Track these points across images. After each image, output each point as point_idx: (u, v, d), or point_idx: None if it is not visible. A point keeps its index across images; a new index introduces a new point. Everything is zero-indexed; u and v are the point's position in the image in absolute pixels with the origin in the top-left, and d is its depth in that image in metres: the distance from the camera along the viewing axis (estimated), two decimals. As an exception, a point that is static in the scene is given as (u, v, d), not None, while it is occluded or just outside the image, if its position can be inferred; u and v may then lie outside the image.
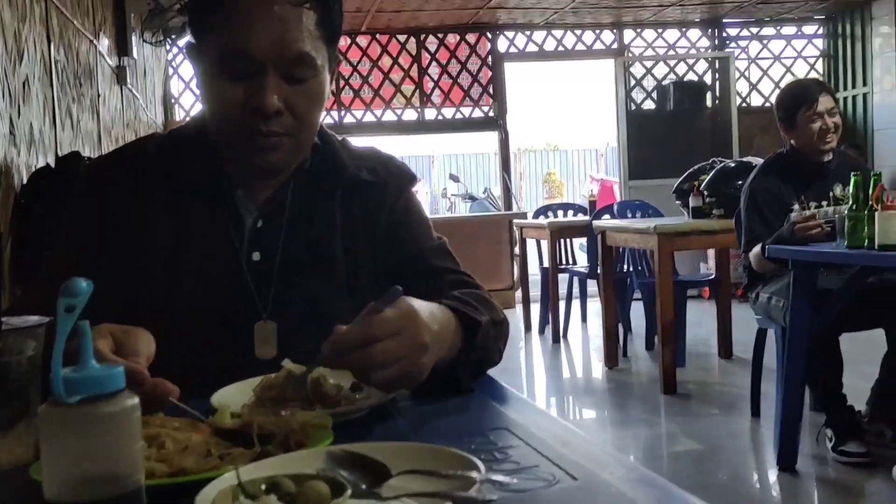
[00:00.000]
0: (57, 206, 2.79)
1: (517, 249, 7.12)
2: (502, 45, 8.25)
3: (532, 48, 8.33)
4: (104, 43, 4.63)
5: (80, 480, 0.61)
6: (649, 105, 8.24)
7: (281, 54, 1.20)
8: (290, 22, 1.20)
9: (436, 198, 14.01)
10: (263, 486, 0.71)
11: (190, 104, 7.61)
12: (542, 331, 6.44)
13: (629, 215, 5.83)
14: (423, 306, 1.04)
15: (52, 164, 3.09)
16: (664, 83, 8.20)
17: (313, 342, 1.28)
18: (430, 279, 1.33)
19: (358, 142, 1.47)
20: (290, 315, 1.30)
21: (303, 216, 1.34)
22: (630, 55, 8.40)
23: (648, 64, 8.30)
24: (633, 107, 8.17)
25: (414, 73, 8.09)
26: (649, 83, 8.24)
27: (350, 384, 1.08)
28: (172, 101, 7.66)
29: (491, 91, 8.20)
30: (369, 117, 8.06)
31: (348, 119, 8.02)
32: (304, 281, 1.32)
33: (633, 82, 8.18)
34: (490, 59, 8.21)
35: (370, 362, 0.96)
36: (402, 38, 8.02)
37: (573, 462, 0.81)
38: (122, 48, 5.10)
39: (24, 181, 2.82)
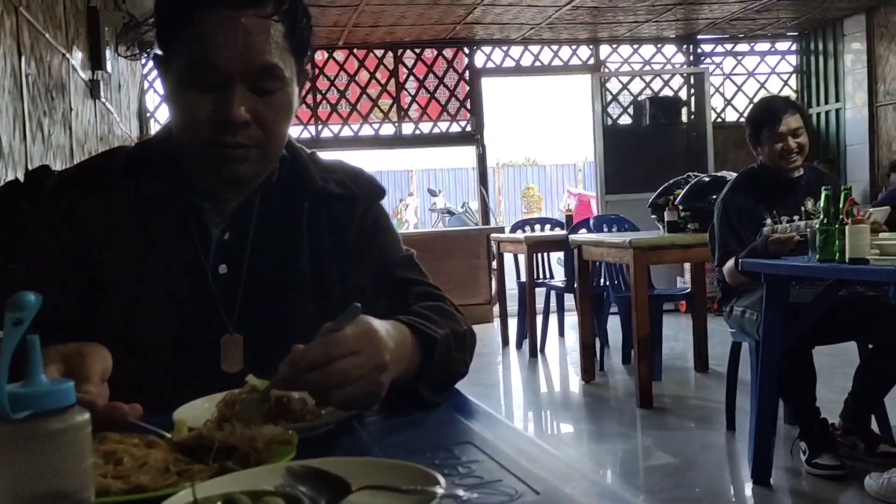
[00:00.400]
0: (23, 220, 2.76)
1: (495, 264, 7.12)
2: (479, 60, 8.28)
3: (509, 63, 8.37)
4: (77, 56, 4.59)
5: (28, 499, 0.59)
6: (625, 120, 8.29)
7: (248, 65, 1.19)
8: (257, 34, 1.20)
9: (421, 211, 14.00)
10: (219, 503, 0.70)
11: (165, 118, 7.56)
12: (519, 345, 6.44)
13: (605, 229, 5.86)
14: (380, 325, 1.04)
15: (21, 178, 3.06)
16: (640, 98, 8.27)
17: (280, 356, 1.27)
18: (397, 291, 1.33)
19: (335, 156, 1.46)
20: (256, 328, 1.29)
21: (270, 228, 1.33)
22: (606, 70, 8.47)
23: (624, 79, 8.37)
24: (610, 122, 8.22)
25: (391, 87, 8.11)
26: (625, 98, 8.30)
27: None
28: (148, 115, 7.62)
29: (468, 106, 8.23)
30: (346, 132, 8.06)
31: (325, 133, 8.01)
32: (270, 294, 1.31)
33: (609, 97, 8.24)
34: (467, 73, 8.24)
35: (329, 381, 0.96)
36: (379, 52, 8.04)
37: (537, 476, 0.80)
38: (96, 62, 5.06)
39: (-7, 195, 2.79)
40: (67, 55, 4.30)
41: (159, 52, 1.27)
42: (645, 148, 8.04)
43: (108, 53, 5.23)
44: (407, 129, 8.19)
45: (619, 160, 8.02)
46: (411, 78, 8.14)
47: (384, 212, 1.46)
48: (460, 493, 0.70)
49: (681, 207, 4.72)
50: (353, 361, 0.96)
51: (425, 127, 8.23)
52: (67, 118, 4.26)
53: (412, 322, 1.15)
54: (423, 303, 1.28)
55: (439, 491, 0.69)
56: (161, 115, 7.58)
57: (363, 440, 0.99)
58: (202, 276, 1.29)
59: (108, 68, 5.26)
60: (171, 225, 1.28)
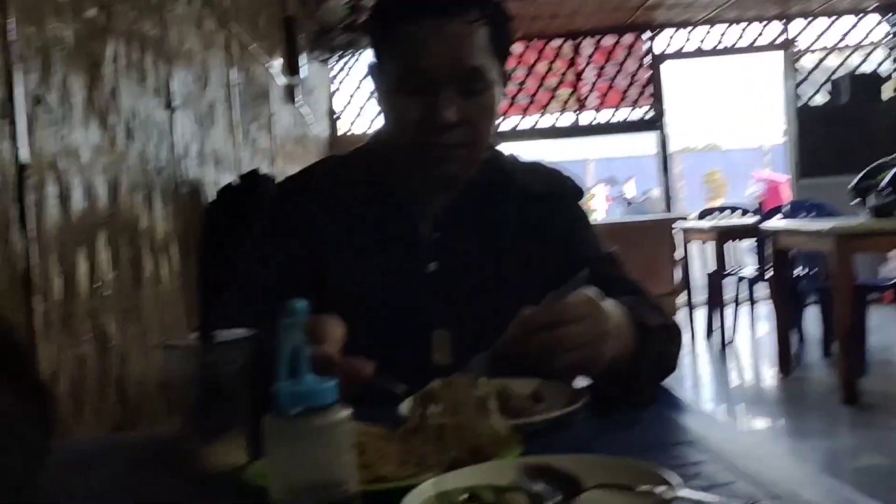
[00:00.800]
0: (240, 221, 2.98)
1: (678, 253, 6.92)
2: (660, 44, 8.06)
3: (691, 46, 8.09)
4: (276, 64, 4.89)
5: (301, 487, 0.66)
6: (820, 99, 7.80)
7: (456, 69, 1.25)
8: (464, 38, 1.26)
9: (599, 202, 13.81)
10: (463, 497, 0.74)
11: (352, 119, 7.89)
12: (708, 336, 6.24)
13: (803, 215, 5.55)
14: (606, 299, 1.07)
15: (236, 182, 3.30)
16: (836, 76, 7.75)
17: (487, 350, 1.32)
18: (602, 289, 1.34)
19: (512, 148, 1.50)
20: (464, 324, 1.34)
21: (476, 227, 1.38)
22: (797, 48, 8.00)
23: (818, 56, 7.87)
24: (802, 102, 7.77)
25: (570, 77, 8.05)
26: (819, 76, 7.81)
27: (531, 393, 1.11)
28: (336, 116, 7.97)
29: (649, 92, 8.03)
30: (525, 124, 8.09)
31: (503, 126, 8.08)
32: (477, 290, 1.36)
33: (801, 76, 7.78)
34: (648, 58, 8.04)
35: (555, 345, 0.99)
36: (557, 42, 8.00)
37: (770, 480, 0.79)
38: (292, 68, 5.37)
39: (211, 199, 3.03)
40: (268, 64, 4.59)
41: (374, 60, 1.35)
42: (843, 128, 7.53)
43: (303, 59, 5.53)
44: (586, 118, 8.11)
45: (813, 142, 7.57)
46: (590, 66, 8.05)
47: (584, 210, 1.48)
48: (700, 495, 0.71)
49: (888, 191, 4.39)
50: (578, 328, 0.99)
51: (605, 115, 8.11)
52: (269, 123, 4.55)
53: (629, 307, 1.16)
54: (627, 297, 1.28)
55: (678, 493, 0.70)
56: (348, 117, 7.90)
57: (581, 438, 1.01)
58: (414, 274, 1.35)
59: (303, 73, 5.57)
60: (384, 226, 1.36)
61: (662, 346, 1.19)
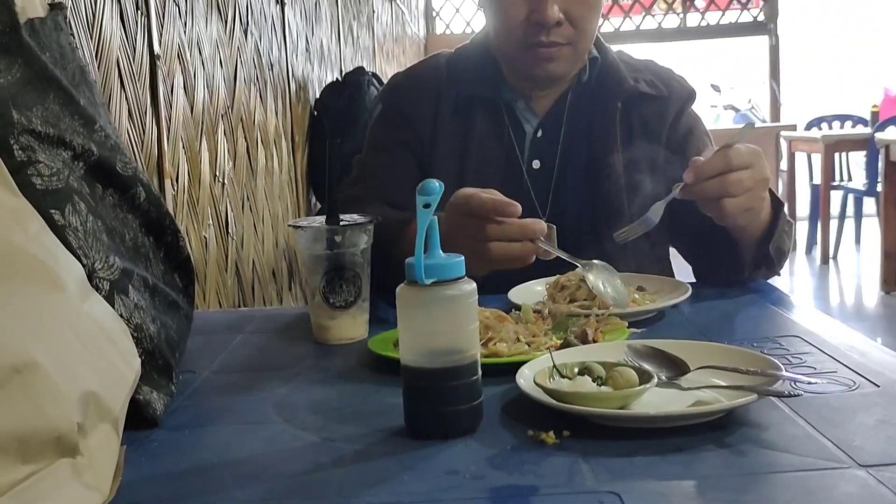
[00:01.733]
0: (344, 117, 3.04)
1: (784, 164, 6.70)
2: (778, -60, 7.60)
3: (812, -57, 7.61)
4: (378, -39, 4.87)
5: (430, 351, 0.72)
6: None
7: None
8: None
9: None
10: (576, 369, 0.79)
11: (450, 17, 7.80)
12: (808, 251, 6.09)
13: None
14: None
15: (340, 79, 3.36)
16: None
17: (593, 247, 1.36)
18: None
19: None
20: (568, 219, 1.37)
21: (581, 127, 1.39)
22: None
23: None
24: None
25: (678, -24, 7.71)
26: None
27: (636, 286, 1.15)
28: (434, 14, 7.89)
29: (762, -8, 7.63)
30: (628, 25, 7.83)
31: (605, 28, 7.85)
32: (581, 188, 1.38)
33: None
34: (763, -43, 7.61)
35: (726, 189, 1.06)
36: (666, -61, 7.64)
37: (872, 370, 0.82)
38: (392, -35, 5.33)
39: (318, 95, 3.10)
40: (370, -40, 4.57)
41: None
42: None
43: (404, -44, 5.47)
44: (692, 20, 7.79)
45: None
46: (700, -36, 7.68)
47: (696, 115, 1.46)
48: (802, 377, 0.74)
49: None
50: (746, 173, 1.07)
51: (712, 18, 7.77)
52: (371, 21, 4.57)
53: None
54: None
55: (782, 374, 0.73)
56: (446, 14, 7.81)
57: (685, 329, 1.05)
58: (517, 170, 1.39)
59: (403, -29, 5.52)
60: (488, 123, 1.39)
61: (786, 228, 1.24)
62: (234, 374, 0.95)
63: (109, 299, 0.77)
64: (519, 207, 1.07)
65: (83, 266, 0.75)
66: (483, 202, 1.07)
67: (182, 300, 0.96)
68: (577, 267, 1.10)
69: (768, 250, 1.19)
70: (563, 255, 1.09)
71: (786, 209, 1.22)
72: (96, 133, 0.86)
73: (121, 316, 0.77)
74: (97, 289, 0.76)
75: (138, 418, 0.78)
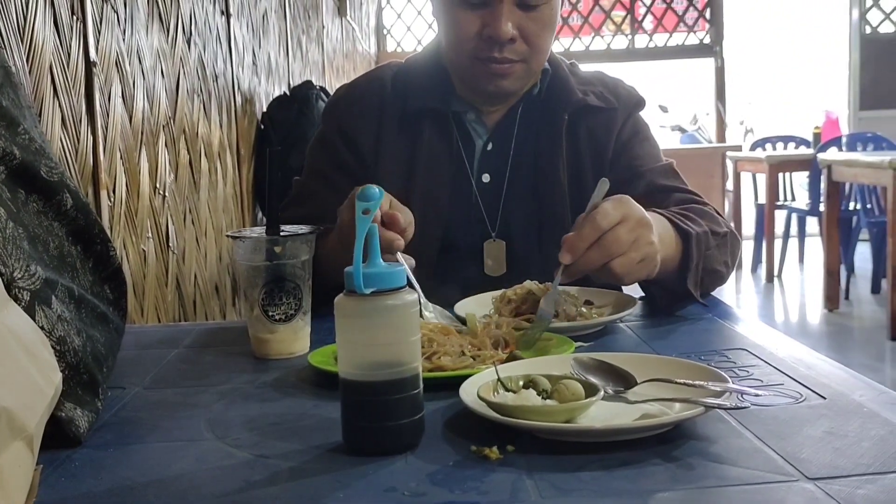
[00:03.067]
0: (292, 131, 3.00)
1: (729, 184, 6.82)
2: (722, -34, 7.78)
3: (755, -32, 7.80)
4: (329, -24, 4.84)
5: (369, 363, 0.69)
6: (888, 28, 7.51)
7: None
8: None
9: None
10: (521, 383, 0.77)
11: (401, 35, 7.80)
12: (754, 269, 6.19)
13: (860, 148, 5.41)
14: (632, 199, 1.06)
15: (288, 93, 3.31)
16: (906, 3, 7.43)
17: (539, 260, 1.34)
18: (657, 198, 1.33)
19: None
20: (517, 234, 1.36)
21: (531, 139, 1.37)
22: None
23: (889, -18, 7.54)
24: (869, 30, 7.48)
25: (626, -2, 7.83)
26: (888, 3, 7.49)
27: (583, 300, 1.13)
28: (385, 31, 7.89)
29: (707, 16, 7.79)
30: (577, 45, 7.92)
31: (555, 48, 7.90)
32: (530, 202, 1.36)
33: (869, 3, 7.48)
34: (708, -19, 7.77)
35: (607, 252, 0.99)
36: (614, -39, 7.77)
37: (819, 382, 0.81)
38: (343, -19, 5.31)
39: (265, 108, 3.05)
40: (321, -25, 4.55)
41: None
42: (908, 59, 7.25)
43: (355, -28, 5.46)
44: (640, 41, 7.92)
45: (876, 73, 7.31)
46: (647, -13, 7.81)
47: (644, 122, 1.46)
48: (749, 390, 0.73)
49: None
50: (622, 228, 1.00)
51: (660, 39, 7.90)
52: (320, 36, 4.53)
53: (668, 216, 1.16)
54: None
55: (729, 386, 0.72)
56: (397, 33, 7.81)
57: (632, 341, 1.03)
58: (467, 184, 1.36)
59: (354, -13, 5.51)
60: (437, 136, 1.36)
61: (710, 251, 1.18)
62: (166, 390, 0.91)
63: (30, 310, 0.73)
64: (402, 218, 1.05)
65: (1, 275, 0.71)
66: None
67: (112, 313, 0.91)
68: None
69: (689, 281, 1.13)
70: (413, 282, 1.04)
71: (702, 230, 1.16)
72: (19, 136, 0.82)
73: (42, 328, 0.73)
74: (16, 299, 0.72)
75: (60, 436, 0.73)
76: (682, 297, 1.15)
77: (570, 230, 1.12)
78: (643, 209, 1.05)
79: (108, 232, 0.91)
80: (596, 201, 1.02)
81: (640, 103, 1.45)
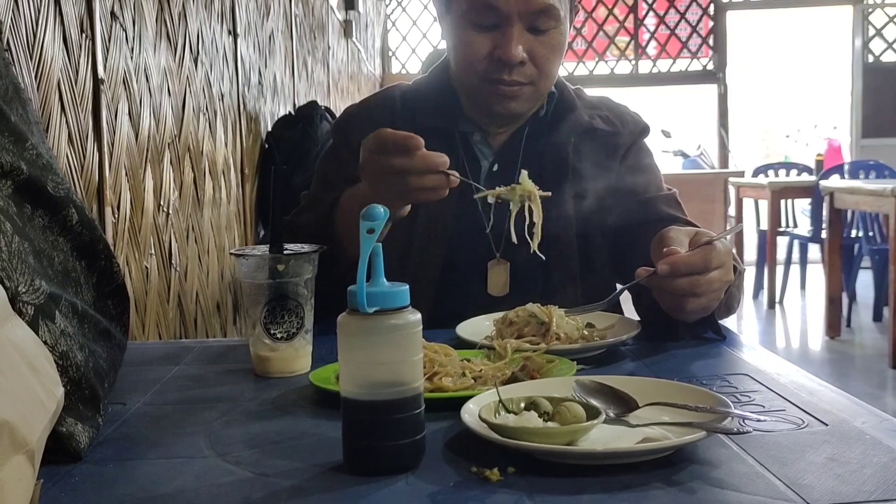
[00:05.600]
0: (296, 150, 3.02)
1: (732, 210, 6.83)
2: (726, -7, 7.84)
3: (759, -3, 7.86)
4: (335, -2, 4.88)
5: (371, 382, 0.69)
6: (890, 57, 7.55)
7: (527, 6, 1.25)
8: None
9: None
10: (522, 404, 0.77)
11: (406, 57, 7.85)
12: (755, 295, 6.19)
13: (862, 176, 5.43)
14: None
15: (293, 112, 3.33)
16: (908, 33, 7.48)
17: (542, 282, 1.34)
18: (659, 227, 1.34)
19: None
20: (521, 256, 1.36)
21: (536, 161, 1.38)
22: (871, 2, 7.72)
23: (892, 11, 7.59)
24: (871, 59, 7.52)
25: (629, 24, 7.88)
26: (891, 33, 7.54)
27: (587, 322, 1.13)
28: (390, 53, 7.93)
29: (710, 42, 7.84)
30: (581, 70, 7.96)
31: (559, 72, 7.95)
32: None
33: (872, 32, 7.53)
34: (711, 7, 7.83)
35: (695, 291, 1.00)
36: (619, -12, 7.83)
37: (821, 409, 0.81)
38: (349, 3, 5.36)
39: (269, 128, 3.07)
40: (328, -3, 4.58)
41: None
42: (911, 88, 7.29)
43: (361, -5, 5.50)
44: (644, 67, 7.96)
45: (879, 101, 7.35)
46: (651, 13, 7.87)
47: (648, 149, 1.47)
48: (751, 415, 0.73)
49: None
50: (718, 273, 1.01)
51: (663, 65, 7.94)
52: (326, 57, 4.56)
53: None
54: None
55: (731, 411, 0.72)
56: (402, 55, 7.86)
57: (633, 366, 1.03)
58: (473, 204, 1.37)
59: (360, 9, 5.55)
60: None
61: (731, 289, 1.19)
62: (166, 407, 0.91)
63: (33, 325, 0.73)
64: (419, 140, 1.06)
65: (5, 289, 0.71)
66: (385, 135, 1.07)
67: (115, 328, 0.92)
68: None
69: (712, 316, 1.13)
70: (471, 182, 1.12)
71: (737, 266, 1.16)
72: (27, 151, 0.82)
73: (45, 342, 0.73)
74: (20, 313, 0.72)
75: (60, 451, 0.73)
76: (703, 327, 1.15)
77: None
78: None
79: (111, 248, 0.92)
80: (713, 238, 1.02)
81: (645, 130, 1.46)
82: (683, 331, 1.15)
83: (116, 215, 1.58)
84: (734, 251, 1.18)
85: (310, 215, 1.33)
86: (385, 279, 0.70)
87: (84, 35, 1.45)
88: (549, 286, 1.35)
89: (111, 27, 1.58)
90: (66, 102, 1.37)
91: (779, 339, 5.33)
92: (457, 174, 1.08)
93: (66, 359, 0.76)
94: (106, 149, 1.51)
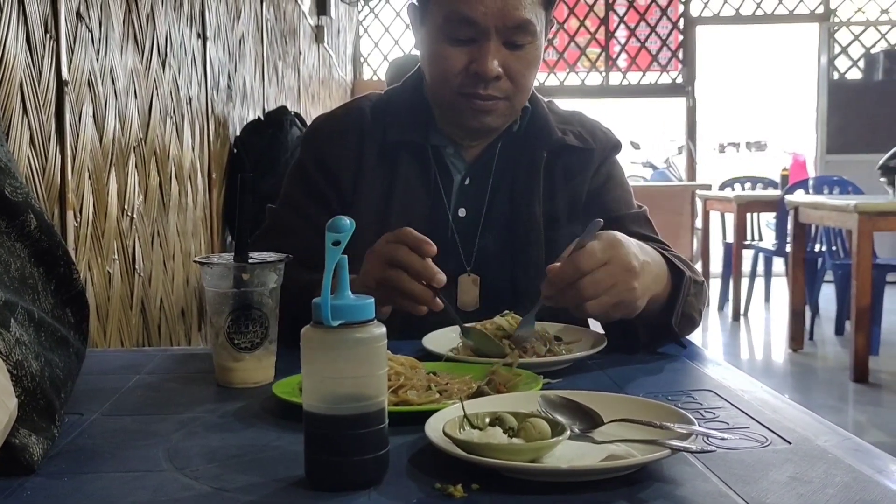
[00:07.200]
0: (265, 156, 2.99)
1: (698, 222, 6.90)
2: (696, 7, 7.93)
3: (728, 11, 7.96)
4: (307, 2, 4.86)
5: (335, 396, 0.68)
6: (854, 74, 7.69)
7: (504, 21, 1.23)
8: None
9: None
10: (487, 420, 0.76)
11: (378, 64, 7.84)
12: (721, 307, 6.25)
13: (826, 191, 5.51)
14: (628, 238, 1.08)
15: (262, 117, 3.31)
16: (873, 51, 7.62)
17: (512, 297, 1.34)
18: None
19: None
20: (491, 269, 1.35)
21: (508, 176, 1.37)
22: (836, 20, 7.86)
23: (857, 30, 7.73)
24: (837, 76, 7.66)
25: (601, 35, 7.95)
26: (856, 51, 7.68)
27: (555, 335, 1.13)
28: (361, 60, 7.92)
29: (680, 56, 7.93)
30: (552, 80, 8.01)
31: (532, 82, 7.98)
32: (506, 238, 1.36)
33: (837, 49, 7.66)
34: (681, 22, 7.92)
35: (582, 295, 1.01)
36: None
37: (785, 427, 0.81)
38: (321, 8, 5.34)
39: (238, 132, 3.04)
40: (299, 1, 4.56)
41: (416, 2, 1.34)
42: (875, 105, 7.43)
43: (332, 0, 5.49)
44: (614, 78, 8.02)
45: (843, 118, 7.48)
46: (622, 26, 7.94)
47: (619, 166, 1.47)
48: (715, 433, 0.73)
49: (916, 171, 4.35)
50: (603, 271, 1.01)
51: (633, 77, 8.02)
52: (297, 62, 4.54)
53: (665, 254, 1.18)
54: None
55: (695, 429, 0.72)
56: (374, 61, 7.85)
57: (601, 380, 1.03)
58: (443, 218, 1.36)
59: (332, 14, 5.54)
60: (415, 168, 1.35)
61: (690, 298, 1.20)
62: (125, 418, 0.89)
63: (-13, 333, 0.71)
64: (433, 249, 1.06)
65: (-42, 296, 0.69)
66: (408, 232, 1.08)
67: (73, 336, 0.89)
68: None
69: (670, 323, 1.14)
70: (452, 313, 1.10)
71: (689, 275, 1.18)
72: (-16, 154, 0.80)
73: (-1, 351, 0.71)
74: (-27, 321, 0.70)
75: (13, 463, 0.71)
76: (663, 334, 1.16)
77: (542, 269, 1.13)
78: (636, 250, 1.06)
79: (73, 253, 0.90)
80: (584, 240, 1.02)
81: (616, 147, 1.45)
82: (644, 344, 1.16)
83: (79, 219, 1.55)
84: (699, 261, 1.18)
85: (273, 243, 1.30)
86: (350, 292, 0.69)
87: (48, 35, 1.43)
88: (519, 300, 1.34)
89: (77, 28, 1.55)
90: (29, 104, 1.34)
91: (743, 350, 5.38)
92: (444, 301, 1.08)
93: (20, 368, 0.74)
94: (69, 151, 1.49)
